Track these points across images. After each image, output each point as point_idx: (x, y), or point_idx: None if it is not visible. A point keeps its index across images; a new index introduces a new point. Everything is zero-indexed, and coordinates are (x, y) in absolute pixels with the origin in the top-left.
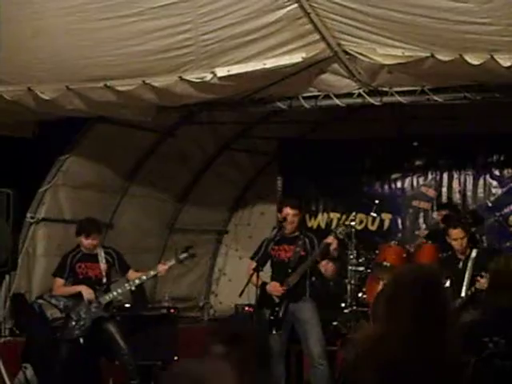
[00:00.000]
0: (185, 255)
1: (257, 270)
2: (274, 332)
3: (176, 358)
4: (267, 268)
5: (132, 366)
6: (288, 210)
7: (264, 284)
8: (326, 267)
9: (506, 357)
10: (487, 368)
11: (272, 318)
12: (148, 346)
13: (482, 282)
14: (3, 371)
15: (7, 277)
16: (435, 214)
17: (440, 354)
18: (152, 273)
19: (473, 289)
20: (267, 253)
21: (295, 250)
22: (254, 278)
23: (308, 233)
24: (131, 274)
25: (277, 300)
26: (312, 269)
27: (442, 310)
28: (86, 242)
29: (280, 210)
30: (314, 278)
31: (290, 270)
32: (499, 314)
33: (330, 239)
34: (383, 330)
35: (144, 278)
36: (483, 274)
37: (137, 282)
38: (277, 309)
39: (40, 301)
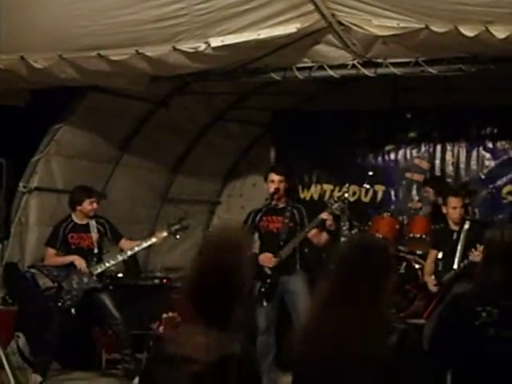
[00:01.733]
0: (177, 227)
1: None
2: (264, 304)
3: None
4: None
5: (125, 335)
6: (273, 176)
7: (255, 255)
8: (318, 237)
9: (500, 326)
10: (480, 337)
11: (263, 289)
12: (141, 315)
13: (476, 255)
14: None
15: (0, 246)
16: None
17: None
18: (145, 244)
19: (465, 261)
20: (254, 224)
21: (284, 222)
22: None
23: (296, 204)
24: (124, 242)
25: (268, 272)
26: (304, 240)
27: (376, 274)
28: (91, 206)
29: (266, 178)
30: (306, 250)
31: (281, 243)
32: (492, 285)
33: (325, 215)
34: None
35: (136, 248)
36: (478, 246)
37: (129, 252)
38: (268, 280)
39: (32, 270)
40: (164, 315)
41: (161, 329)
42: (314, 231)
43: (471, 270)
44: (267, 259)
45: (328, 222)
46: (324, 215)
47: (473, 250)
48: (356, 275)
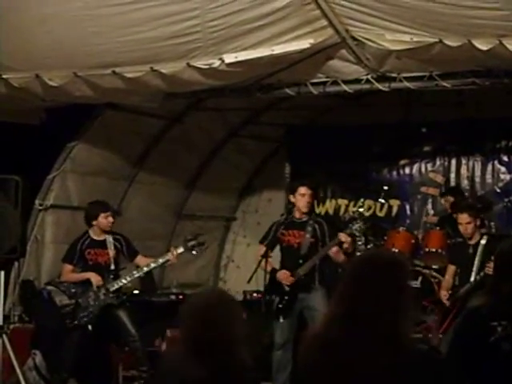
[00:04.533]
0: (193, 243)
1: (265, 255)
2: (281, 320)
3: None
4: (276, 252)
5: (141, 352)
6: (304, 190)
7: (274, 270)
8: (338, 255)
9: None
10: (495, 352)
11: (280, 306)
12: (157, 332)
13: (490, 267)
14: (13, 358)
15: (16, 264)
16: (443, 200)
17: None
18: (161, 260)
19: (482, 273)
20: (276, 237)
21: (305, 237)
22: (263, 263)
23: (318, 218)
24: (140, 259)
25: (286, 288)
26: (323, 257)
27: (396, 291)
28: (106, 220)
29: (293, 191)
30: (325, 267)
31: (300, 261)
32: (505, 298)
33: (343, 237)
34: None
35: (153, 265)
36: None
37: (145, 269)
38: (286, 297)
39: (49, 287)
40: (168, 332)
41: (163, 346)
42: (334, 249)
43: (486, 282)
44: (285, 277)
45: (345, 245)
46: (342, 237)
47: (488, 264)
48: (375, 293)
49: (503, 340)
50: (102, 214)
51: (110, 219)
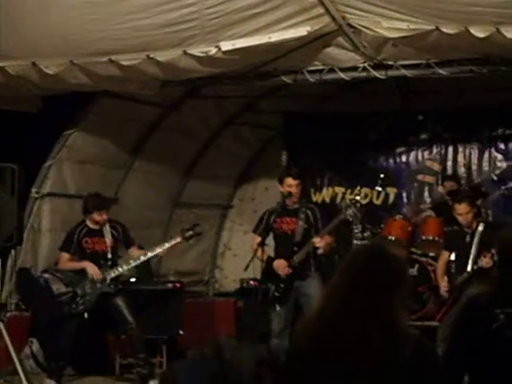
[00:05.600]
0: (191, 233)
1: (261, 244)
2: (277, 308)
3: (181, 332)
4: (270, 241)
5: (139, 339)
6: (290, 181)
7: (270, 259)
8: (321, 245)
9: None
10: (498, 340)
11: (276, 294)
12: (154, 320)
13: (485, 262)
14: (10, 346)
15: (13, 252)
16: (440, 188)
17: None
18: (150, 254)
19: (477, 265)
20: (269, 225)
21: (299, 224)
22: (260, 252)
23: (310, 204)
24: (133, 250)
25: (282, 276)
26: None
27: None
28: (100, 217)
29: (281, 181)
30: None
31: (295, 248)
32: (507, 286)
33: (317, 242)
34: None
35: (150, 254)
36: (488, 251)
37: (143, 257)
38: (282, 285)
39: (46, 275)
40: None
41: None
42: (317, 239)
43: (482, 273)
44: (281, 267)
45: (320, 251)
46: (316, 242)
47: (482, 256)
48: (371, 285)
49: (506, 327)
50: (96, 212)
51: (104, 216)
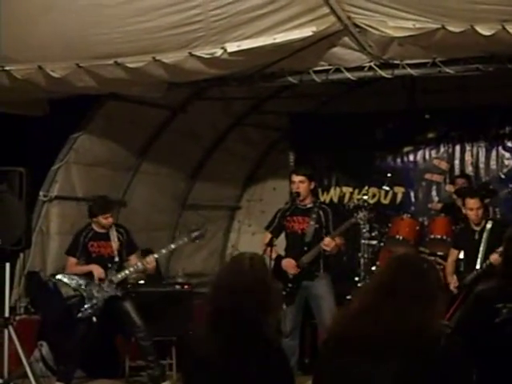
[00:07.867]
0: (197, 233)
1: (270, 243)
2: (284, 307)
3: (191, 333)
4: (281, 240)
5: (148, 342)
6: (293, 177)
7: (279, 257)
8: (329, 246)
9: None
10: (500, 334)
11: (284, 293)
12: (163, 322)
13: (494, 259)
14: (19, 349)
15: (21, 255)
16: (448, 187)
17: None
18: (164, 250)
19: (487, 262)
20: (281, 223)
21: (310, 224)
22: (269, 250)
23: (322, 205)
24: (132, 259)
25: (291, 276)
26: None
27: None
28: (106, 221)
29: (290, 180)
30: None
31: (305, 248)
32: (511, 281)
33: (327, 241)
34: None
35: (132, 269)
36: (497, 250)
37: (140, 265)
38: (290, 285)
39: (54, 278)
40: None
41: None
42: (326, 241)
43: (492, 271)
44: (290, 266)
45: (327, 252)
46: (326, 242)
47: (493, 253)
48: (407, 295)
49: (509, 322)
50: (102, 216)
51: (110, 220)
